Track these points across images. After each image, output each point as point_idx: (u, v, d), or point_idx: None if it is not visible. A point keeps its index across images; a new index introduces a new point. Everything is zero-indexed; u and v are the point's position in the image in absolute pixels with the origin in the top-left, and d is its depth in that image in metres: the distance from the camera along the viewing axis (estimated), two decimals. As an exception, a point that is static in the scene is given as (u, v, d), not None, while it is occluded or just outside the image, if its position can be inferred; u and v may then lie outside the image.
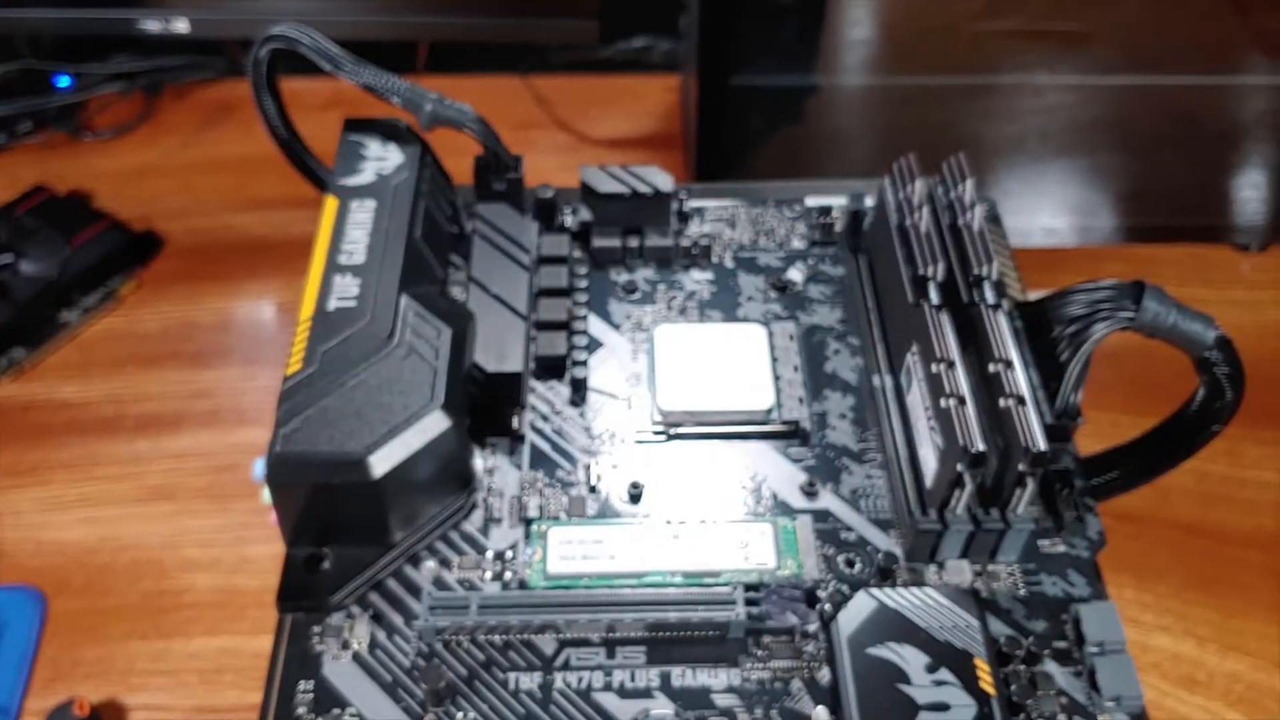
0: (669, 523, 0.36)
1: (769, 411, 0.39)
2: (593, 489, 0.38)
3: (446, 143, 0.44)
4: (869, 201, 0.45)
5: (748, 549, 0.35)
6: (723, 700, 0.33)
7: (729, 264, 0.45)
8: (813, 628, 0.34)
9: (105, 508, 0.54)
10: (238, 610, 0.50)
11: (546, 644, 0.34)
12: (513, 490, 0.38)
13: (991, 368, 0.35)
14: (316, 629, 0.34)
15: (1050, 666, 0.33)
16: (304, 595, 0.34)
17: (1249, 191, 0.71)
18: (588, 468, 0.38)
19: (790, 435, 0.39)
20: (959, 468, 0.33)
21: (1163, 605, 0.51)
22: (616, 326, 0.43)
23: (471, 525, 0.37)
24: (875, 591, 0.33)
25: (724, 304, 0.44)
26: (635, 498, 0.37)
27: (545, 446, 0.39)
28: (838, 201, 0.47)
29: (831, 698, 0.32)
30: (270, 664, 0.33)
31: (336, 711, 0.32)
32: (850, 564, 0.36)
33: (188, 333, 0.61)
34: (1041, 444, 0.32)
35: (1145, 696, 0.32)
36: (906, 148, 0.42)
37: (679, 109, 0.77)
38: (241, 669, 0.48)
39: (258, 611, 0.49)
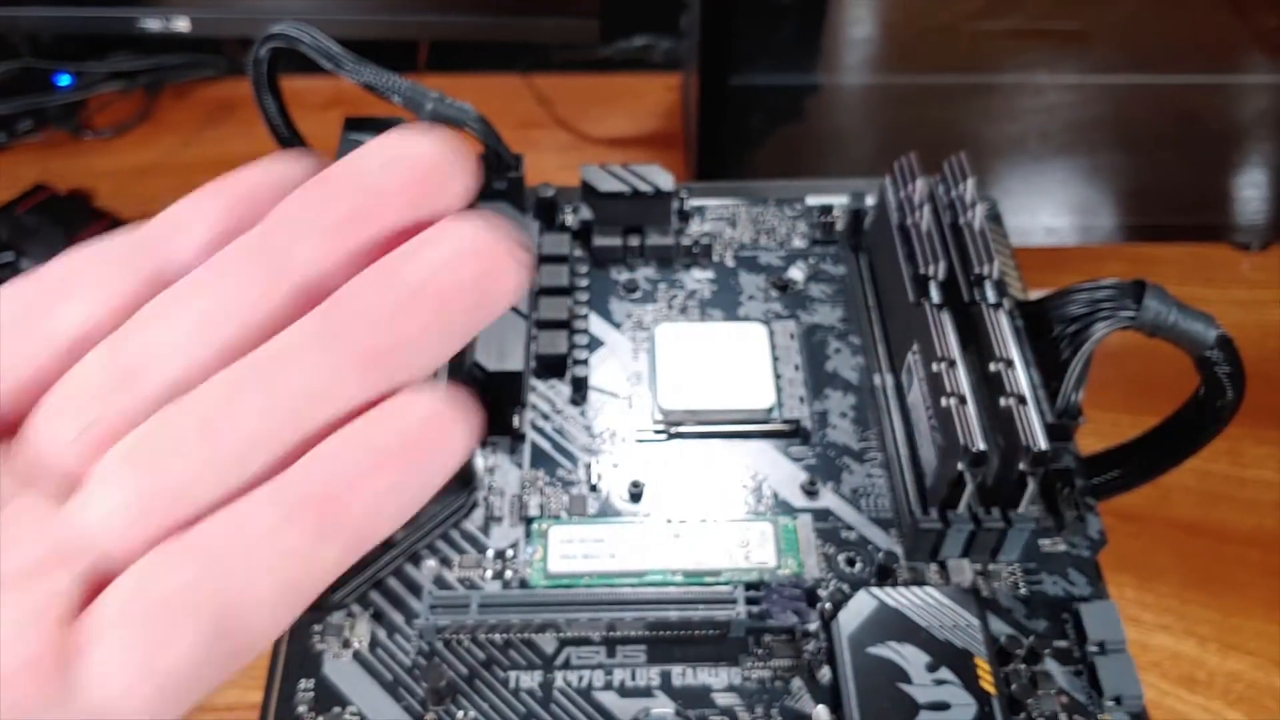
0: (670, 522, 0.36)
1: (770, 410, 0.39)
2: (593, 488, 0.38)
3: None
4: (870, 200, 0.45)
5: (748, 548, 0.35)
6: (723, 699, 0.33)
7: (730, 263, 0.45)
8: (813, 627, 0.34)
9: (106, 506, 0.54)
10: (238, 609, 0.50)
11: (547, 643, 0.34)
12: (513, 489, 0.38)
13: (992, 367, 0.35)
14: (317, 627, 0.34)
15: (1051, 665, 0.33)
16: (304, 594, 0.34)
17: (1250, 190, 0.71)
18: (588, 466, 0.38)
19: (791, 434, 0.39)
20: (960, 467, 0.33)
21: (1163, 604, 0.51)
22: (617, 325, 0.43)
23: (472, 524, 0.37)
24: (876, 590, 0.33)
25: (725, 303, 0.44)
26: (636, 497, 0.37)
27: (546, 445, 0.39)
28: (838, 200, 0.47)
29: (832, 697, 0.32)
30: (270, 662, 0.33)
31: (337, 710, 0.32)
32: (851, 563, 0.36)
33: (188, 331, 0.61)
34: (1042, 443, 0.32)
35: (1146, 696, 0.32)
36: (907, 147, 0.42)
37: (680, 108, 0.77)
38: (241, 667, 0.48)
39: (258, 610, 0.49)
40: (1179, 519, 0.54)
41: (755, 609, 0.33)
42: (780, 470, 0.38)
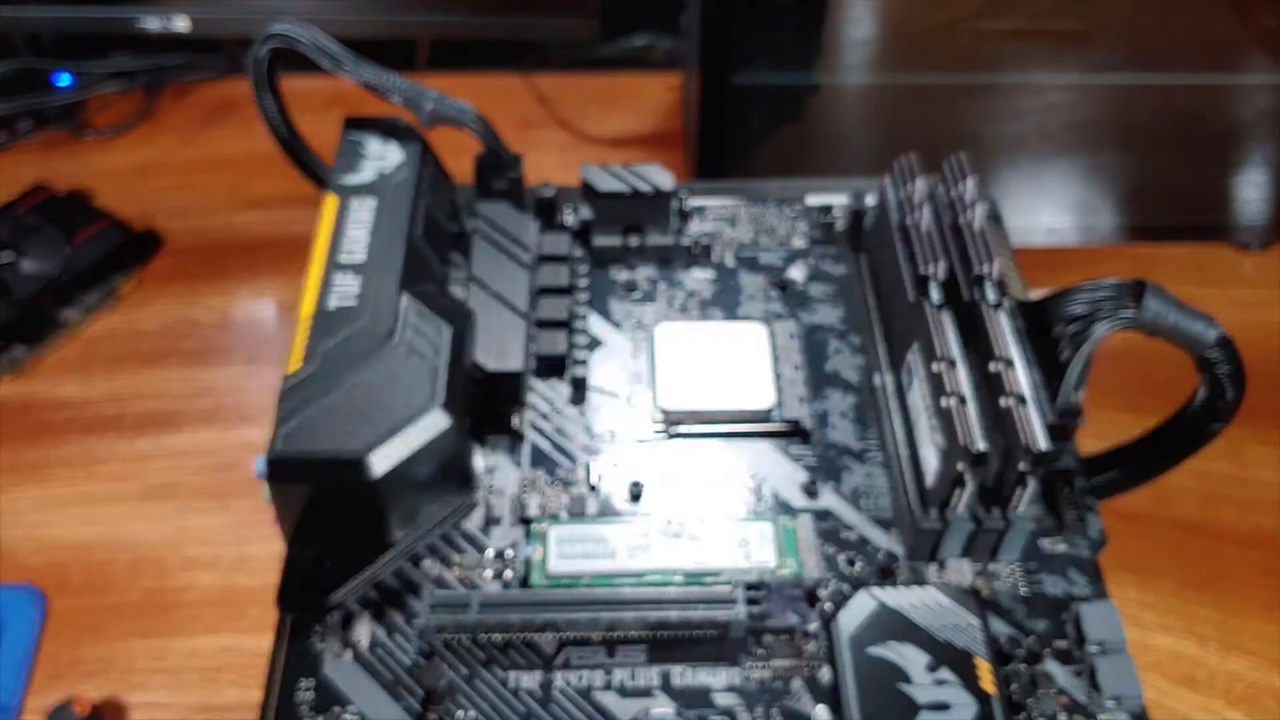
0: (669, 521, 0.36)
1: (770, 410, 0.39)
2: (593, 488, 0.38)
3: (447, 141, 0.44)
4: (870, 200, 0.45)
5: (748, 548, 0.35)
6: (723, 699, 0.33)
7: (730, 263, 0.45)
8: (813, 627, 0.34)
9: (105, 506, 0.54)
10: (238, 609, 0.50)
11: (547, 643, 0.34)
12: (513, 489, 0.37)
13: (993, 367, 0.35)
14: (317, 627, 0.34)
15: (1051, 666, 0.33)
16: (304, 594, 0.34)
17: (1250, 190, 0.71)
18: (588, 466, 0.38)
19: (791, 434, 0.39)
20: (960, 467, 0.33)
21: (1163, 604, 0.51)
22: (617, 325, 0.43)
23: (472, 524, 0.37)
24: (876, 591, 0.33)
25: (725, 303, 0.44)
26: (636, 496, 0.37)
27: (545, 445, 0.39)
28: (839, 200, 0.47)
29: (832, 697, 0.32)
30: (271, 662, 0.33)
31: (337, 710, 0.32)
32: (851, 563, 0.36)
33: (188, 331, 0.61)
34: (1043, 443, 0.32)
35: (1146, 696, 0.32)
36: (908, 146, 0.42)
37: (680, 107, 0.77)
38: (242, 667, 0.48)
39: (258, 610, 0.49)
40: (1179, 519, 0.54)
41: (755, 609, 0.33)
42: (780, 470, 0.38)
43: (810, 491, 0.37)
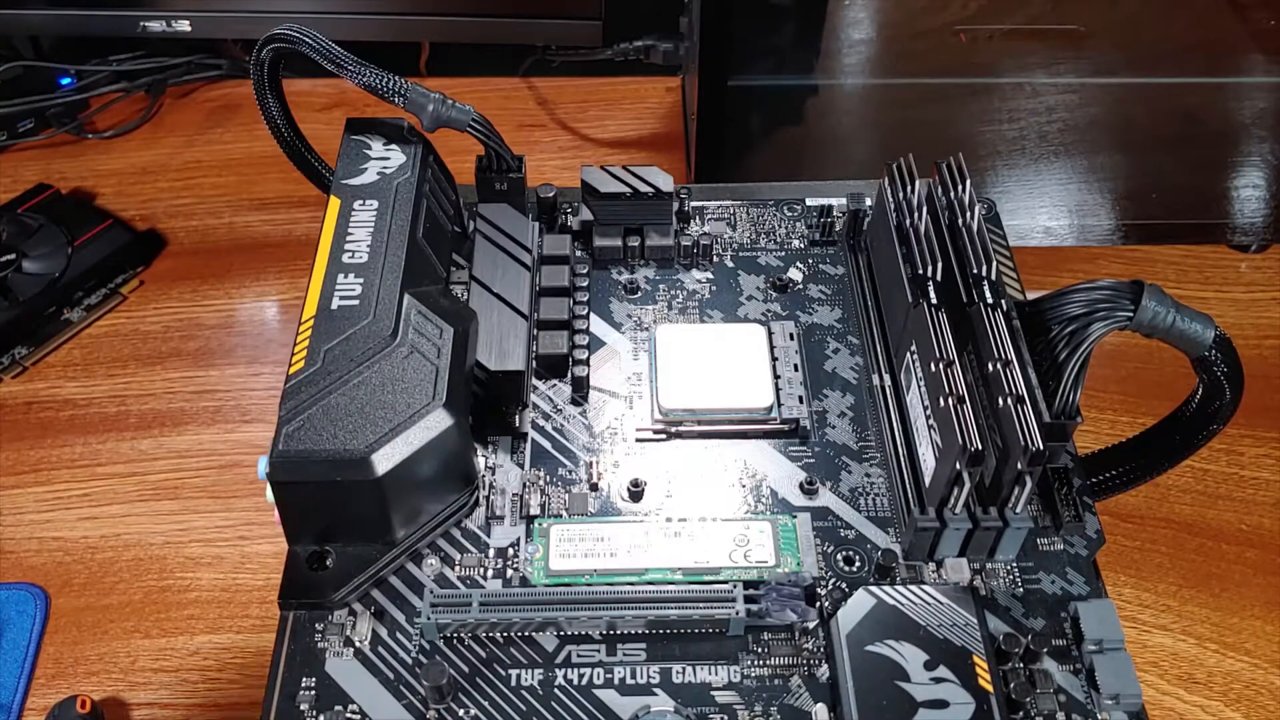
0: (669, 520, 0.36)
1: (769, 410, 0.39)
2: (594, 487, 0.38)
3: (449, 143, 0.44)
4: (868, 202, 0.45)
5: (747, 547, 0.35)
6: (723, 697, 0.33)
7: (729, 264, 0.46)
8: (812, 625, 0.34)
9: (108, 505, 0.54)
10: (240, 608, 0.50)
11: (548, 641, 0.34)
12: (514, 488, 0.38)
13: (990, 367, 0.35)
14: (319, 626, 0.34)
15: (1049, 664, 0.33)
16: (307, 592, 0.34)
17: (1248, 191, 0.71)
18: (589, 466, 0.38)
19: (790, 434, 0.39)
20: (958, 466, 0.33)
21: (1161, 603, 0.51)
22: (618, 326, 0.43)
23: (473, 523, 0.37)
24: (874, 589, 0.34)
25: (724, 303, 0.44)
26: (636, 496, 0.37)
27: (547, 445, 0.39)
28: (837, 202, 0.47)
29: (831, 695, 0.32)
30: (273, 661, 0.34)
31: (339, 708, 0.33)
32: (849, 562, 0.36)
33: (190, 331, 0.62)
34: (1040, 443, 0.32)
35: (1144, 694, 0.32)
36: (906, 148, 0.42)
37: (680, 110, 0.77)
38: (244, 666, 0.48)
39: (260, 609, 0.50)
40: (1177, 518, 0.54)
41: (754, 607, 0.33)
42: (779, 469, 0.38)
43: (809, 490, 0.38)
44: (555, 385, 0.41)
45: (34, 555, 0.52)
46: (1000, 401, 0.34)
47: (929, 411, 0.35)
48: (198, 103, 0.78)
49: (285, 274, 0.65)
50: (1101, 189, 0.71)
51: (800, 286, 0.45)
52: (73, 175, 0.71)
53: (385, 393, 0.34)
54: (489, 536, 0.36)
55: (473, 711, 0.32)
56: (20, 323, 0.60)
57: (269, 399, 0.58)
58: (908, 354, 0.38)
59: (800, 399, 0.40)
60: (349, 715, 0.32)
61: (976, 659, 0.32)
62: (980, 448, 0.32)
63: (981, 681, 0.31)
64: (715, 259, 0.46)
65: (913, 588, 0.34)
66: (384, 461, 0.33)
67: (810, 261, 0.46)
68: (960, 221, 0.39)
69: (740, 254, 0.46)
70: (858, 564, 0.36)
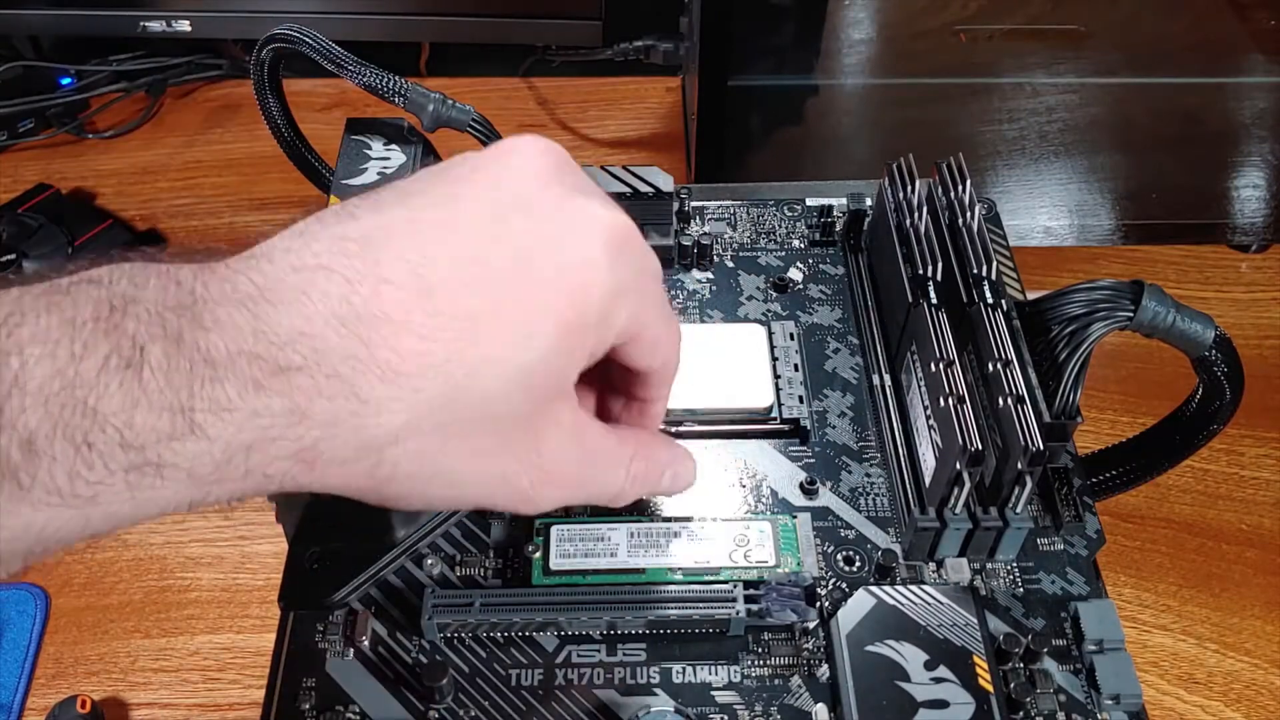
0: (669, 520, 0.36)
1: (769, 410, 0.39)
2: (594, 487, 0.38)
3: (449, 143, 0.44)
4: (868, 202, 0.45)
5: (747, 547, 0.35)
6: (723, 697, 0.33)
7: (729, 264, 0.46)
8: (812, 625, 0.34)
9: (108, 506, 0.54)
10: (240, 608, 0.50)
11: (548, 641, 0.34)
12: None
13: (990, 367, 0.35)
14: (319, 626, 0.34)
15: (1049, 664, 0.33)
16: (307, 592, 0.34)
17: (1248, 191, 0.71)
18: (589, 466, 0.38)
19: (790, 434, 0.39)
20: (958, 466, 0.33)
21: (1161, 604, 0.51)
22: (617, 326, 0.43)
23: (473, 523, 0.37)
24: (874, 589, 0.34)
25: (724, 303, 0.44)
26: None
27: (546, 445, 0.39)
28: (837, 202, 0.47)
29: (831, 695, 0.32)
30: (273, 661, 0.34)
31: (339, 708, 0.33)
32: (849, 561, 0.36)
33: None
34: (1040, 443, 0.32)
35: (1144, 694, 0.32)
36: (907, 148, 0.42)
37: (680, 110, 0.77)
38: (244, 666, 0.48)
39: (260, 609, 0.50)
40: (1177, 518, 0.54)
41: (754, 607, 0.33)
42: (779, 469, 0.38)
43: (809, 490, 0.38)
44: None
45: (34, 555, 0.52)
46: (1000, 401, 0.34)
47: (929, 411, 0.35)
48: (198, 103, 0.78)
49: (285, 274, 0.65)
50: (1101, 189, 0.71)
51: (800, 286, 0.45)
52: (73, 175, 0.71)
53: (385, 393, 0.34)
54: (489, 536, 0.36)
55: (473, 711, 0.32)
56: (20, 323, 0.60)
57: (269, 399, 0.58)
58: (908, 354, 0.38)
59: (800, 399, 0.40)
60: (349, 715, 0.32)
61: (976, 659, 0.32)
62: (980, 448, 0.32)
63: (981, 681, 0.32)
64: (715, 259, 0.46)
65: (913, 588, 0.34)
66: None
67: (810, 261, 0.46)
68: (960, 221, 0.39)
69: (740, 254, 0.46)
70: (858, 564, 0.36)
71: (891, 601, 0.33)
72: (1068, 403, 0.36)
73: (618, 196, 0.44)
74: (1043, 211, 0.69)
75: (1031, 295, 0.40)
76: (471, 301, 0.24)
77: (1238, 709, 0.47)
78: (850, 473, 0.38)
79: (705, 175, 0.66)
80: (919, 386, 0.37)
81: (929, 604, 0.33)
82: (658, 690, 0.33)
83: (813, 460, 0.39)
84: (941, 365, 0.35)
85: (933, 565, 0.36)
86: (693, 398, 0.39)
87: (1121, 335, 0.37)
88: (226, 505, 0.23)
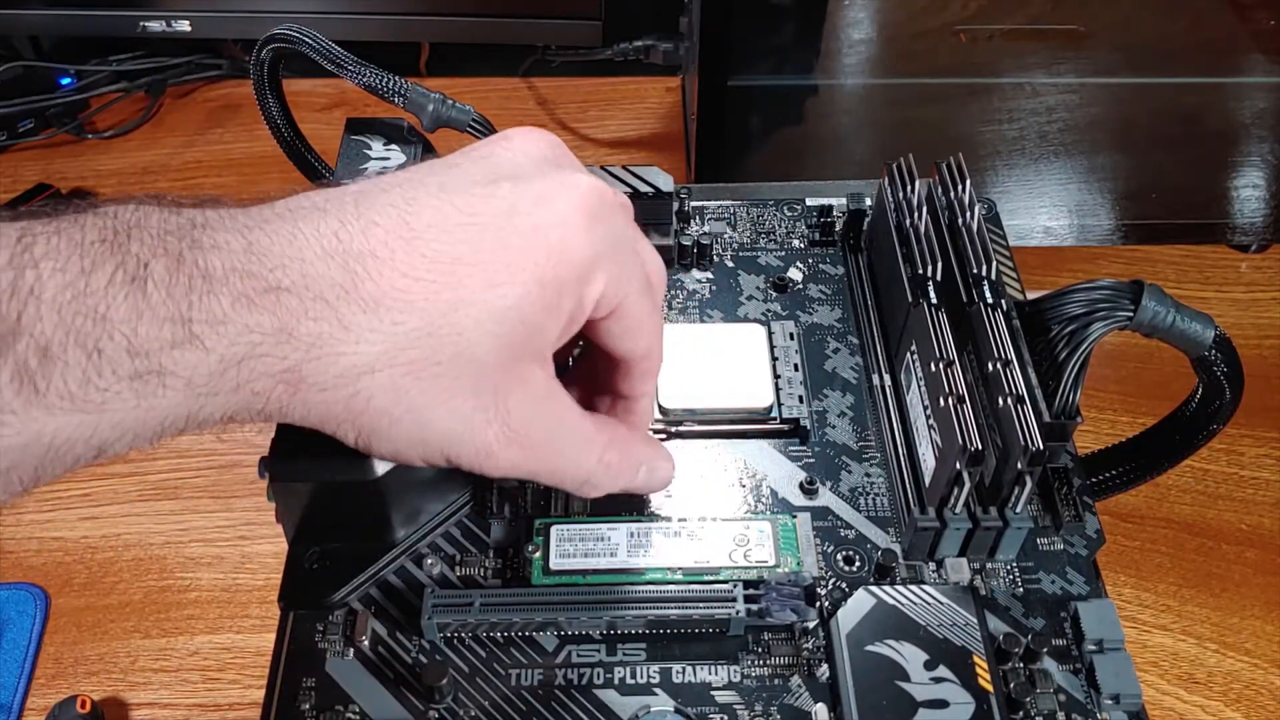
0: (669, 520, 0.36)
1: (769, 410, 0.39)
2: (594, 487, 0.38)
3: (449, 143, 0.44)
4: (868, 202, 0.45)
5: (747, 546, 0.35)
6: (722, 697, 0.33)
7: (729, 264, 0.46)
8: (812, 625, 0.34)
9: (108, 505, 0.54)
10: (240, 608, 0.50)
11: (548, 641, 0.34)
12: (515, 487, 0.38)
13: (990, 367, 0.35)
14: (319, 626, 0.34)
15: (1049, 664, 0.33)
16: (307, 592, 0.34)
17: (1248, 191, 0.71)
18: (589, 466, 0.38)
19: (790, 433, 0.39)
20: (958, 466, 0.33)
21: (1161, 603, 0.51)
22: (617, 326, 0.43)
23: (473, 523, 0.37)
24: (874, 589, 0.34)
25: (724, 303, 0.44)
26: (636, 495, 0.37)
27: (546, 445, 0.39)
28: (837, 202, 0.47)
29: (831, 695, 0.32)
30: (273, 661, 0.34)
31: (339, 708, 0.33)
32: (849, 561, 0.36)
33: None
34: (1039, 443, 0.32)
35: (1144, 694, 0.32)
36: (907, 148, 0.42)
37: (680, 110, 0.77)
38: (244, 666, 0.48)
39: (260, 609, 0.50)
40: (1177, 518, 0.54)
41: (754, 607, 0.33)
42: (779, 469, 0.38)
43: (809, 490, 0.38)
44: (555, 385, 0.41)
45: (34, 555, 0.52)
46: (1000, 401, 0.34)
47: (929, 411, 0.35)
48: (198, 103, 0.78)
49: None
50: (1101, 189, 0.71)
51: (800, 286, 0.45)
52: (73, 175, 0.71)
53: (385, 393, 0.34)
54: (489, 536, 0.36)
55: (473, 711, 0.32)
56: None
57: (269, 399, 0.58)
58: (908, 354, 0.38)
59: (800, 399, 0.40)
60: (349, 715, 0.32)
61: (976, 659, 0.32)
62: (980, 448, 0.32)
63: (981, 681, 0.32)
64: (715, 259, 0.46)
65: (913, 588, 0.34)
66: (383, 461, 0.33)
67: (810, 261, 0.46)
68: (960, 221, 0.39)
69: (740, 254, 0.46)
70: (858, 564, 0.36)
71: (891, 601, 0.33)
72: (1068, 403, 0.36)
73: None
74: (1043, 211, 0.69)
75: (1031, 295, 0.40)
76: (455, 248, 0.26)
77: (1238, 709, 0.47)
78: (850, 473, 0.38)
79: (705, 175, 0.66)
80: (919, 386, 0.37)
81: (929, 604, 0.33)
82: (658, 690, 0.33)
83: (812, 460, 0.39)
84: (941, 365, 0.35)
85: (933, 565, 0.36)
86: (693, 398, 0.39)
87: (1121, 335, 0.37)
88: (220, 426, 0.25)
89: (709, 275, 0.45)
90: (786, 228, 0.47)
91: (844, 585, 0.35)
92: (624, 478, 0.32)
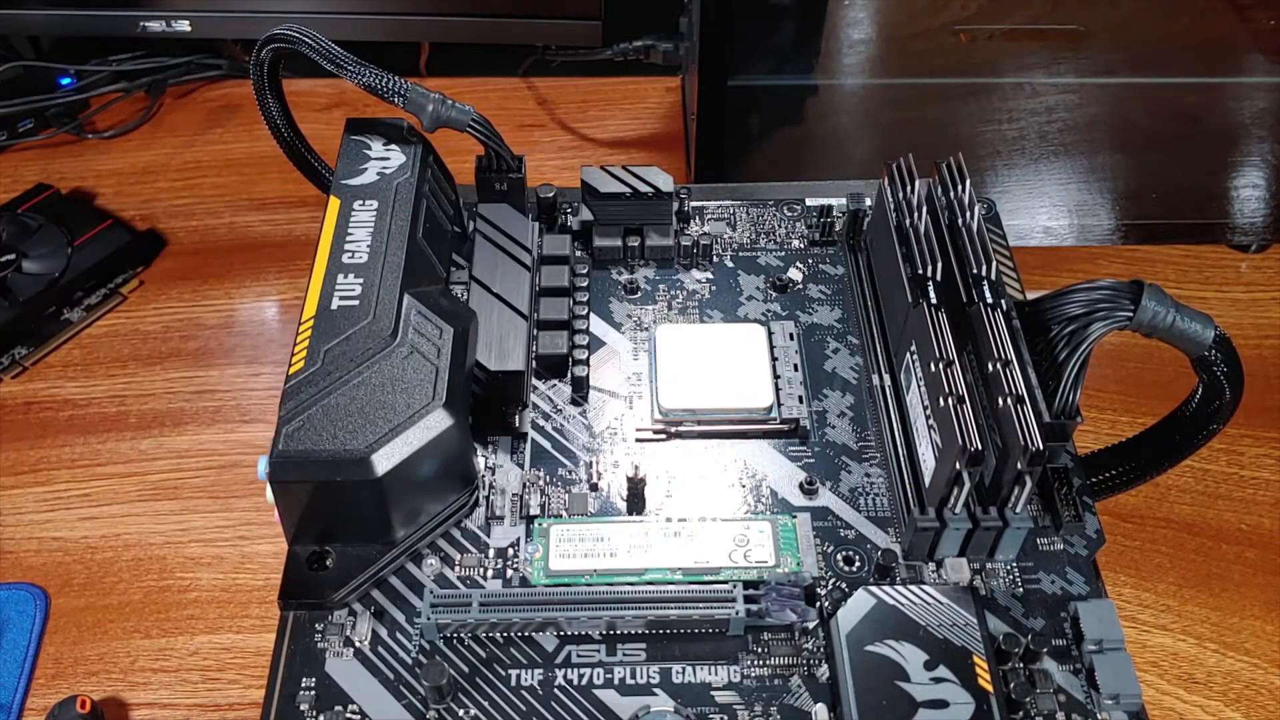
0: (669, 520, 0.36)
1: (769, 410, 0.39)
2: (594, 487, 0.38)
3: (449, 143, 0.44)
4: (868, 202, 0.45)
5: (747, 547, 0.35)
6: (722, 697, 0.33)
7: (729, 264, 0.46)
8: (812, 625, 0.34)
9: (108, 506, 0.54)
10: (240, 608, 0.50)
11: (548, 641, 0.34)
12: (514, 488, 0.38)
13: (990, 367, 0.35)
14: (319, 626, 0.34)
15: (1049, 664, 0.33)
16: (307, 592, 0.34)
17: (1248, 191, 0.71)
18: (589, 466, 0.38)
19: (790, 434, 0.39)
20: (958, 466, 0.33)
21: (1161, 603, 0.51)
22: (618, 326, 0.43)
23: (473, 523, 0.37)
24: (874, 589, 0.34)
25: (724, 303, 0.44)
26: (636, 495, 0.37)
27: (547, 445, 0.39)
28: (837, 202, 0.47)
29: (831, 695, 0.32)
30: (273, 661, 0.34)
31: (339, 708, 0.33)
32: (849, 561, 0.36)
33: (190, 331, 0.62)
34: (1039, 443, 0.32)
35: (1144, 694, 0.32)
36: (906, 148, 0.42)
37: (680, 110, 0.77)
38: (244, 666, 0.48)
39: (260, 609, 0.50)
40: (1177, 518, 0.54)
41: (754, 607, 0.33)
42: (779, 469, 0.38)
43: (809, 491, 0.38)
44: (555, 385, 0.41)
45: (34, 555, 0.52)
46: (1000, 401, 0.34)
47: (929, 411, 0.35)
48: (198, 103, 0.78)
49: (285, 274, 0.65)
50: (1101, 189, 0.71)
51: (800, 286, 0.45)
52: (73, 175, 0.71)
53: (385, 393, 0.34)
54: (489, 536, 0.36)
55: (473, 711, 0.32)
56: (20, 323, 0.60)
57: (269, 399, 0.58)
58: (908, 354, 0.38)
59: (800, 399, 0.40)
60: (349, 715, 0.32)
61: (976, 659, 0.32)
62: (980, 448, 0.32)
63: (981, 681, 0.32)
64: (715, 259, 0.46)
65: (913, 588, 0.34)
66: (384, 461, 0.33)
67: (810, 261, 0.46)
68: (960, 221, 0.39)
69: (740, 254, 0.46)
70: (858, 564, 0.36)
71: (891, 601, 0.33)
72: (1067, 403, 0.36)
73: (618, 196, 0.44)
74: (1043, 211, 0.69)
75: (1031, 295, 0.40)
76: None
77: (1237, 709, 0.47)
78: (850, 473, 0.38)
79: (705, 175, 0.66)
80: (919, 386, 0.37)
81: (929, 604, 0.33)
82: (658, 690, 0.33)
83: (812, 460, 0.39)
84: (941, 365, 0.35)
85: (932, 565, 0.36)
86: (692, 398, 0.39)
87: (1121, 335, 0.37)
88: None
89: (709, 275, 0.45)
90: (786, 228, 0.47)
91: (844, 585, 0.35)
92: None
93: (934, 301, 0.37)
